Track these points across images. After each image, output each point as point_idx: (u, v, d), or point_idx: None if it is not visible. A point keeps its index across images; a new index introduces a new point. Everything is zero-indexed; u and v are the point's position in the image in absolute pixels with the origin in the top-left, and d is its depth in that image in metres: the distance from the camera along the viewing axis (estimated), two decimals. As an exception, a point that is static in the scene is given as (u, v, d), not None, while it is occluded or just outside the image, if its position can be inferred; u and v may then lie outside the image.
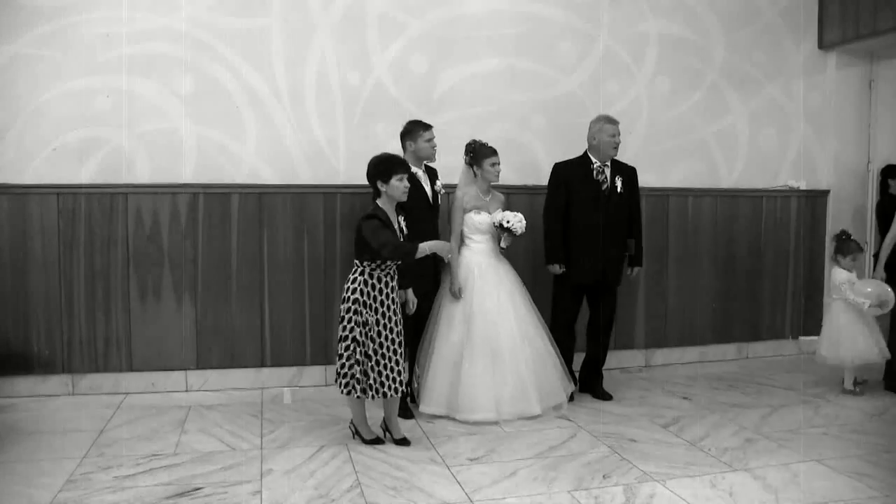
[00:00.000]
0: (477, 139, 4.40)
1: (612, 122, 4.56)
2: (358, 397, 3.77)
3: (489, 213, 4.35)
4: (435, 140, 4.31)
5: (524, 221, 4.28)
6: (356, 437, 3.89)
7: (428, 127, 4.30)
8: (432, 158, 4.32)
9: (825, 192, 5.85)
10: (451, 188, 4.55)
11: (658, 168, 5.48)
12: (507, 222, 4.25)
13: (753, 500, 3.19)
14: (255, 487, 3.28)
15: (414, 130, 4.28)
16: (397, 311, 3.80)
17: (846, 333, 4.65)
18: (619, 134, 4.55)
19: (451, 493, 3.25)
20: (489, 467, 3.54)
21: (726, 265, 5.65)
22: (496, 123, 5.04)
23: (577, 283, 4.55)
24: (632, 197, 4.67)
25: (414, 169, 4.27)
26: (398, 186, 3.74)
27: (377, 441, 3.84)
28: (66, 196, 4.56)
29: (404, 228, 3.89)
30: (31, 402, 4.47)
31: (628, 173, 4.65)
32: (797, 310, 5.80)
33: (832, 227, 5.73)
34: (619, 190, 4.55)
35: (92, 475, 3.40)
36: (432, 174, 4.40)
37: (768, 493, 3.25)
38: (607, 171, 4.56)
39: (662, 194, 5.49)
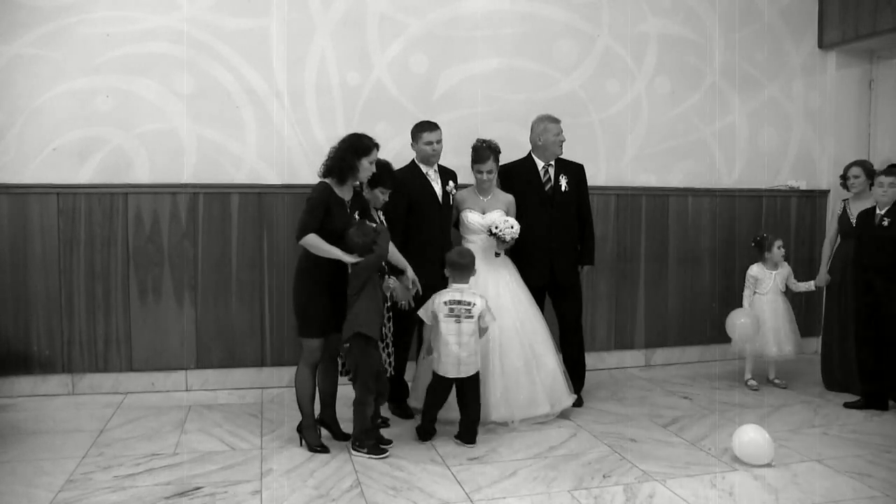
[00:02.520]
0: (484, 139, 4.33)
1: (555, 120, 4.48)
2: None
3: (484, 213, 4.27)
4: (437, 144, 4.25)
5: (516, 227, 4.12)
6: None
7: (429, 128, 4.26)
8: (430, 162, 4.28)
9: (825, 192, 5.85)
10: (464, 187, 4.50)
11: (658, 168, 5.49)
12: (496, 228, 4.11)
13: (753, 500, 3.19)
14: (255, 487, 3.28)
15: (416, 131, 4.29)
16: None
17: (768, 327, 4.84)
18: (562, 132, 4.47)
19: (451, 493, 3.25)
20: (489, 467, 3.54)
21: (726, 265, 5.65)
22: (496, 123, 5.03)
23: (528, 285, 4.38)
24: (580, 194, 4.55)
25: (424, 168, 4.28)
26: (380, 197, 3.98)
27: (382, 424, 3.98)
28: (66, 196, 4.56)
29: (384, 222, 4.06)
30: (31, 402, 4.47)
31: (574, 171, 4.54)
32: (797, 310, 5.79)
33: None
34: (563, 189, 4.46)
35: (92, 475, 3.40)
36: (447, 175, 4.38)
37: (768, 493, 3.25)
38: (551, 171, 4.49)
39: (662, 194, 5.49)
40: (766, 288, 4.93)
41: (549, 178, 4.49)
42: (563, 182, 4.47)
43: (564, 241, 4.48)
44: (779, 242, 4.96)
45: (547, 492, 3.26)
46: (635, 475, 3.43)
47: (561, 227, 4.46)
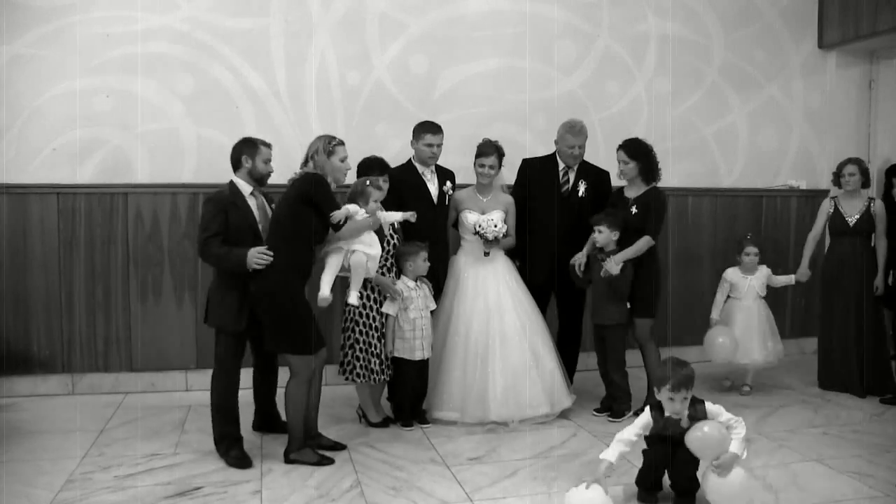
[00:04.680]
0: (487, 138, 4.32)
1: (573, 132, 4.35)
2: (362, 382, 4.03)
3: (483, 213, 4.24)
4: (437, 148, 4.20)
5: (499, 227, 4.09)
6: (363, 420, 4.13)
7: (431, 130, 4.20)
8: (428, 163, 4.24)
9: (825, 192, 5.84)
10: (462, 188, 4.49)
11: (658, 168, 5.48)
12: (480, 227, 4.10)
13: (754, 500, 3.19)
14: (255, 487, 3.28)
15: (418, 131, 4.25)
16: (376, 300, 4.03)
17: (747, 333, 4.70)
18: (579, 146, 4.35)
19: (451, 493, 3.25)
20: (489, 467, 3.54)
21: (726, 265, 5.62)
22: (496, 123, 5.04)
23: (530, 282, 4.39)
24: (599, 201, 4.44)
25: (421, 169, 4.27)
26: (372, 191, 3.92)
27: (383, 423, 4.08)
28: (66, 196, 4.56)
29: (396, 226, 4.09)
30: (31, 402, 4.48)
31: (598, 177, 4.48)
32: (797, 309, 5.81)
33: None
34: (580, 194, 4.41)
35: (92, 475, 3.40)
36: (444, 175, 4.36)
37: (768, 493, 3.25)
38: (571, 175, 4.44)
39: (662, 194, 5.49)
40: (742, 293, 4.78)
41: (568, 181, 4.45)
42: (582, 188, 4.43)
43: (571, 246, 4.40)
44: (751, 249, 4.76)
45: (547, 492, 3.26)
46: (635, 475, 3.43)
47: (570, 232, 4.41)
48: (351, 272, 3.71)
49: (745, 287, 4.79)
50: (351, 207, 3.64)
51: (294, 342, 3.49)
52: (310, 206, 3.46)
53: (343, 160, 3.69)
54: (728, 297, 4.85)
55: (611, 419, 4.21)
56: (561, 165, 4.47)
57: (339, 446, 3.74)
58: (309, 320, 3.51)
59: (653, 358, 4.27)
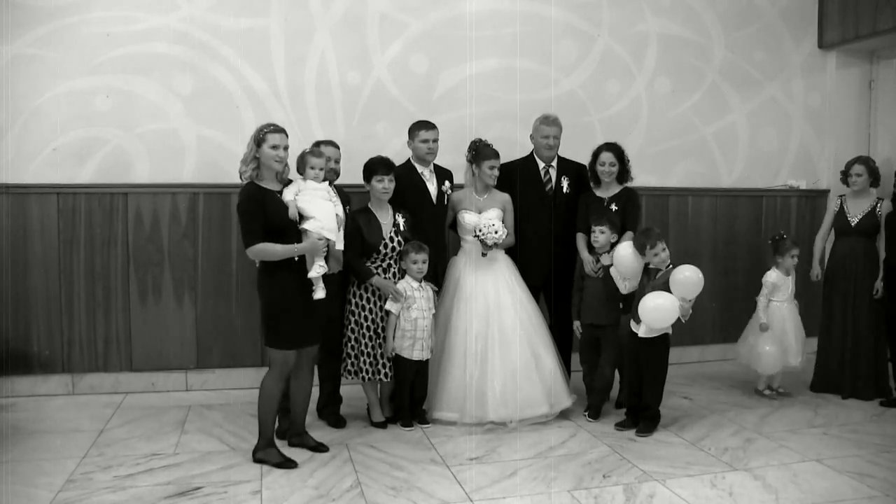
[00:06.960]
0: (482, 138, 4.34)
1: (547, 122, 4.45)
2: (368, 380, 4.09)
3: (480, 213, 4.25)
4: (434, 143, 4.26)
5: (499, 233, 4.08)
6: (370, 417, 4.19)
7: (425, 127, 4.26)
8: (426, 160, 4.27)
9: (825, 192, 5.85)
10: (459, 188, 4.50)
11: (658, 168, 5.48)
12: (480, 231, 4.11)
13: (753, 500, 3.19)
14: (255, 487, 3.28)
15: (413, 129, 4.29)
16: (367, 302, 4.04)
17: (792, 336, 4.61)
18: (553, 136, 4.43)
19: (451, 493, 3.25)
20: (489, 467, 3.54)
21: (726, 265, 5.65)
22: (496, 123, 5.04)
23: (528, 284, 4.38)
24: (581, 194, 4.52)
25: (420, 168, 4.27)
26: (377, 187, 4.00)
27: (384, 424, 4.09)
28: (66, 196, 4.56)
29: (402, 226, 4.08)
30: (31, 402, 4.48)
31: (578, 172, 4.53)
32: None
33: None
34: (564, 190, 4.48)
35: (92, 475, 3.40)
36: (443, 175, 4.37)
37: (768, 493, 3.25)
38: (552, 172, 4.50)
39: (662, 194, 5.49)
40: (784, 296, 4.65)
41: (550, 179, 4.50)
42: (565, 184, 4.48)
43: (565, 242, 4.45)
44: (795, 251, 4.66)
45: (547, 492, 3.26)
46: (635, 475, 3.43)
47: (560, 230, 4.45)
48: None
49: (789, 289, 4.66)
50: (291, 208, 3.51)
51: (268, 334, 3.52)
52: (260, 207, 3.44)
53: (274, 147, 3.43)
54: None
55: (590, 419, 4.21)
56: (541, 165, 4.50)
57: (321, 448, 3.69)
58: (287, 316, 3.46)
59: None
